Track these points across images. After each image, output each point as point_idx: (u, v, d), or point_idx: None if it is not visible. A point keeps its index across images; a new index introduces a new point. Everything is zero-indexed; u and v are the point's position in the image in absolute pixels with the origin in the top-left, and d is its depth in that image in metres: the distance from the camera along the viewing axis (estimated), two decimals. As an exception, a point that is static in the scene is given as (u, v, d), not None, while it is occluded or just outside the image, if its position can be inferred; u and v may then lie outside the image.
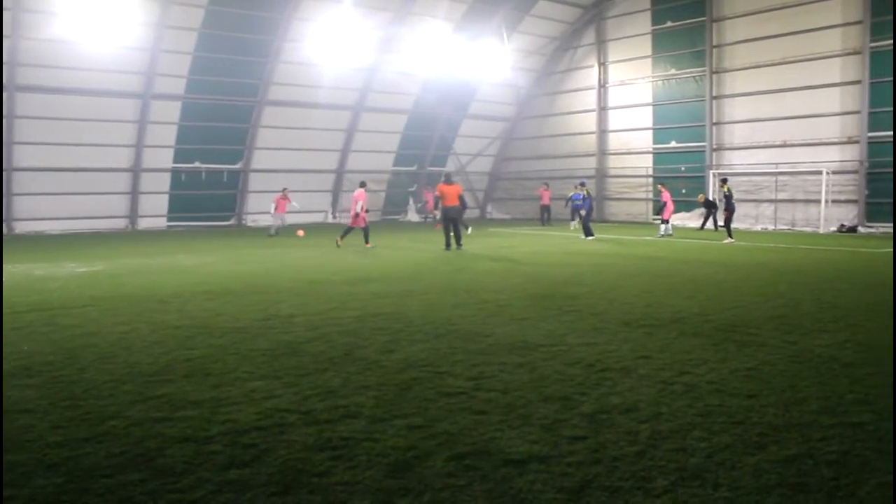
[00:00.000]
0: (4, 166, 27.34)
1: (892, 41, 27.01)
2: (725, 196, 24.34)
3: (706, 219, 29.85)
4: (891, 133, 27.27)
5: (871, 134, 27.88)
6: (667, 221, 26.64)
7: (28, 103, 27.44)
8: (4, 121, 26.78)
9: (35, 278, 14.04)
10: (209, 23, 29.57)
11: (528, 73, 39.70)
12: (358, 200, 21.51)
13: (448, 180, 20.82)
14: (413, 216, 39.35)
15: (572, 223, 31.01)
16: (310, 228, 29.98)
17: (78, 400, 5.80)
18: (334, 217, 36.99)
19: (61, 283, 13.15)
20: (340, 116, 35.74)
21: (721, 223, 26.82)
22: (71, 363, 7.02)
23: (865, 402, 5.67)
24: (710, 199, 30.11)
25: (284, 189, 28.06)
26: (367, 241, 21.36)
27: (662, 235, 25.89)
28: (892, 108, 27.03)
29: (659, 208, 27.35)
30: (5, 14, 24.55)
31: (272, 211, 27.65)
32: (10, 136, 27.27)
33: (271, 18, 30.76)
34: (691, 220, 32.36)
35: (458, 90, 37.98)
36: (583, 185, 26.78)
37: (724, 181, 25.31)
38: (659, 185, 28.65)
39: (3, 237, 24.88)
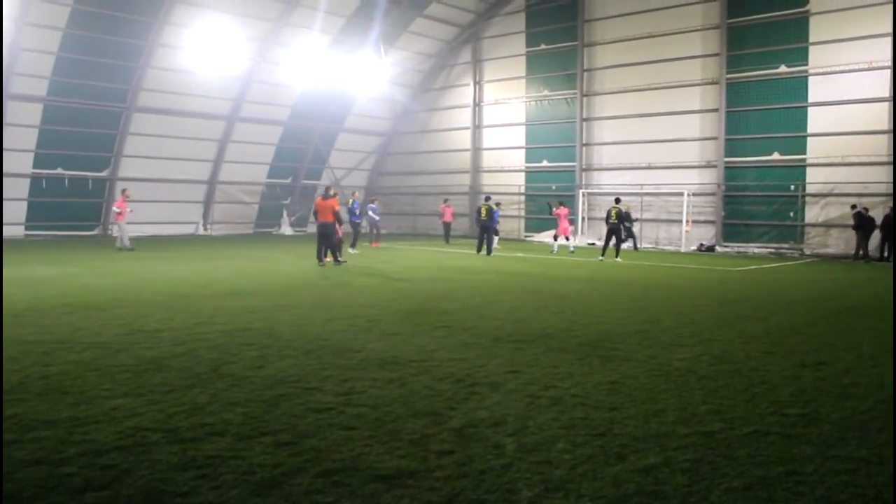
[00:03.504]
0: None
1: (744, 73, 28.81)
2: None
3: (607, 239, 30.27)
4: (743, 159, 29.08)
5: (727, 159, 29.54)
6: (567, 238, 27.06)
7: None
8: None
9: None
10: (75, 22, 28.25)
11: (405, 88, 39.91)
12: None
13: (326, 195, 20.54)
14: (287, 229, 38.67)
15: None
16: (179, 241, 29.11)
17: (-83, 421, 5.42)
18: (205, 229, 35.98)
19: None
20: (214, 126, 34.85)
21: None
22: (-90, 381, 6.55)
23: (717, 412, 6.00)
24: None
25: (124, 190, 25.15)
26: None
27: (555, 252, 26.33)
28: (746, 136, 28.90)
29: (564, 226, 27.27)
30: None
31: (114, 219, 24.80)
32: None
33: (143, 22, 29.70)
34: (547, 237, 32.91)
35: (334, 103, 37.72)
36: (488, 199, 27.08)
37: (616, 200, 25.33)
38: (559, 202, 28.60)
39: None
